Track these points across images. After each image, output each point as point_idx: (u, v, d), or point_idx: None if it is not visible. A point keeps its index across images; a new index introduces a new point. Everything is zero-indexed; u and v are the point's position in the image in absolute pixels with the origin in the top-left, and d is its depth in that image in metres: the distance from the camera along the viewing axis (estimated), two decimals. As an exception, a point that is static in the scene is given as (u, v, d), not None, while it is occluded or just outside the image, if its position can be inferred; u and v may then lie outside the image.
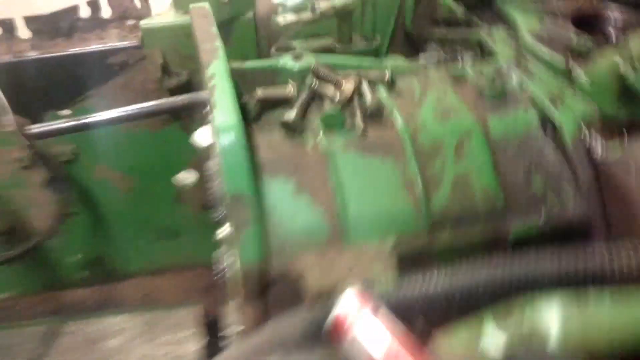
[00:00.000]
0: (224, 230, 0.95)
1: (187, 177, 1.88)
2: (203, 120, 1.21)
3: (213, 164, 1.15)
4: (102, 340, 3.17)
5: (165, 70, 1.61)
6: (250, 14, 1.59)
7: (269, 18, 1.57)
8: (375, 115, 1.05)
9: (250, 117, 1.06)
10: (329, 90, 1.06)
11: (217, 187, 1.06)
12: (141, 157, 1.81)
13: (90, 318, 2.03)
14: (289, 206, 0.97)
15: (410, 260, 0.99)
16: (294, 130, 1.03)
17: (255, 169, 0.96)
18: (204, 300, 2.10)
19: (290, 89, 1.08)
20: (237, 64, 1.09)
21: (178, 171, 1.86)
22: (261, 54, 1.63)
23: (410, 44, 1.60)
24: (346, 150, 1.02)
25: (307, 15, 1.32)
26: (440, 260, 1.01)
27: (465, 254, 1.01)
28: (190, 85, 1.61)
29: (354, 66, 1.12)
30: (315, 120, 1.05)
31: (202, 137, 1.88)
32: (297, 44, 1.45)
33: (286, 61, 1.10)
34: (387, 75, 1.11)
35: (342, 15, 1.36)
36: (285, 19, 1.32)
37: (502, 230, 1.02)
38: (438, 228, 1.01)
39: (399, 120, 1.05)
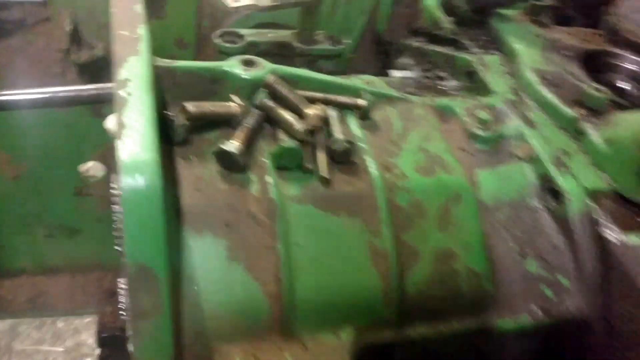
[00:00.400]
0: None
1: (94, 168, 1.56)
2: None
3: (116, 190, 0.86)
4: None
5: (75, 38, 1.27)
6: (193, -15, 1.27)
7: (214, -7, 1.27)
8: (344, 157, 0.79)
9: (176, 138, 0.77)
10: (287, 115, 0.79)
11: (119, 226, 0.78)
12: (37, 140, 1.47)
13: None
14: (216, 279, 0.70)
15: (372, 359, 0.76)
16: (233, 165, 0.76)
17: (172, 224, 0.69)
18: (102, 308, 1.81)
19: (234, 106, 0.80)
20: (165, 63, 0.79)
21: (83, 160, 1.54)
22: (200, 35, 1.32)
23: (379, 51, 1.35)
24: (301, 202, 0.76)
25: (265, 1, 1.03)
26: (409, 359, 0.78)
27: (441, 351, 0.79)
28: (106, 62, 1.29)
29: (321, 84, 0.85)
30: (263, 154, 0.78)
31: (115, 124, 1.52)
32: (246, 32, 1.17)
33: (233, 67, 0.81)
34: (363, 103, 0.85)
35: (309, 5, 1.08)
36: (238, 1, 1.03)
37: (487, 324, 0.80)
38: (410, 318, 0.77)
39: (372, 167, 0.80)
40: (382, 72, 1.33)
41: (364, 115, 0.85)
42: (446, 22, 1.14)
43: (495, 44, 1.08)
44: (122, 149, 0.63)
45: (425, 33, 1.18)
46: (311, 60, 1.18)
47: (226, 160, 0.76)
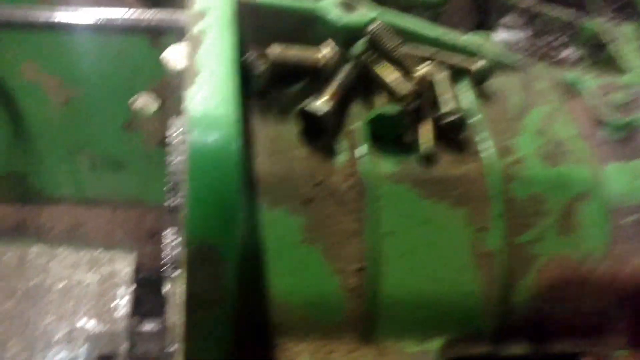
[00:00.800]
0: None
1: (146, 102, 1.45)
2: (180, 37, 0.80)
3: (177, 139, 0.74)
4: (19, 268, 2.81)
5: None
6: None
7: None
8: (453, 131, 0.65)
9: (254, 88, 0.64)
10: (390, 74, 0.64)
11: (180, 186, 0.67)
12: (89, 66, 1.36)
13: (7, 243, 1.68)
14: (287, 264, 0.58)
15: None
16: (319, 130, 0.62)
17: (244, 195, 0.56)
18: (141, 247, 1.74)
19: (325, 54, 0.65)
20: (251, -4, 0.65)
21: (135, 93, 1.43)
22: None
23: (476, 7, 1.16)
24: (398, 181, 0.62)
25: None
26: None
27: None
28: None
29: (433, 40, 0.70)
30: (355, 119, 0.64)
31: (174, 57, 1.39)
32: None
33: (329, 9, 0.66)
34: (480, 67, 0.70)
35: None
36: None
37: (603, 353, 0.66)
38: (511, 334, 0.64)
39: (487, 148, 0.65)
40: (479, 29, 1.15)
41: (480, 82, 0.70)
42: None
43: (633, 8, 0.90)
44: (193, 99, 0.50)
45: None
46: (405, 9, 1.01)
47: (311, 123, 0.62)
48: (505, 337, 0.64)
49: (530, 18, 1.02)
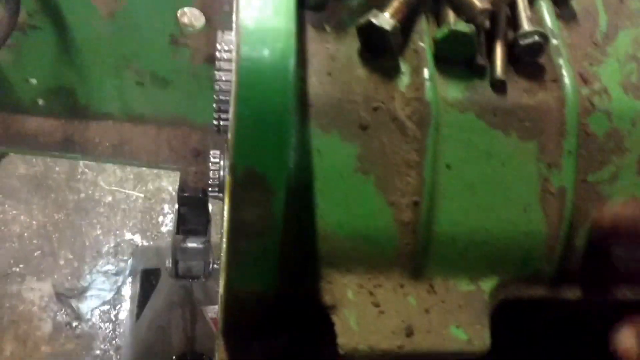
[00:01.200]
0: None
1: (195, 17, 1.39)
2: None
3: (225, 55, 0.69)
4: (69, 182, 2.87)
5: None
6: None
7: None
8: (530, 55, 0.58)
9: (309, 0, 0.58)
10: (462, -14, 0.57)
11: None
12: (137, -24, 1.31)
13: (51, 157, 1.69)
14: (339, 193, 0.54)
15: (518, 319, 0.60)
16: (381, 47, 0.56)
17: (296, 118, 0.52)
18: (186, 166, 1.74)
19: (390, -36, 0.58)
20: None
21: (183, 5, 1.38)
22: None
23: None
24: (464, 109, 0.56)
25: None
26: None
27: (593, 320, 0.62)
28: None
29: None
30: (422, 37, 0.58)
31: (223, -31, 1.33)
32: None
33: None
34: (564, -19, 0.62)
35: None
36: None
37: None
38: (571, 278, 0.60)
39: (566, 76, 0.58)
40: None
41: (562, 1, 0.62)
42: None
43: None
44: (244, 10, 0.44)
45: None
46: None
47: (373, 39, 0.56)
48: (566, 280, 0.60)
49: None
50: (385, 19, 0.55)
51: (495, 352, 0.55)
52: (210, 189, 0.98)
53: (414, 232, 0.56)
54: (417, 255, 0.56)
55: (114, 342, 2.41)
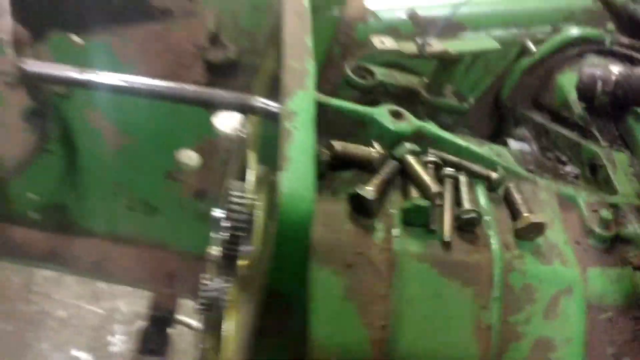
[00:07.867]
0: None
1: (191, 157, 1.62)
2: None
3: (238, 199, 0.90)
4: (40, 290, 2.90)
5: (214, 38, 1.33)
6: (336, 11, 1.31)
7: (354, 24, 1.30)
8: (469, 226, 0.82)
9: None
10: (424, 173, 0.82)
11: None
12: (145, 120, 1.54)
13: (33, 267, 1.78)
14: (328, 313, 0.73)
15: None
16: (364, 210, 0.79)
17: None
18: (161, 289, 1.87)
19: (375, 152, 0.83)
20: (322, 98, 0.83)
21: (181, 147, 1.60)
22: (327, 60, 1.36)
23: (496, 114, 1.36)
24: (421, 260, 0.78)
25: (411, 49, 1.06)
26: None
27: None
28: (237, 67, 1.34)
29: (458, 149, 0.88)
30: (393, 205, 0.81)
31: (223, 122, 1.59)
32: (377, 70, 1.20)
33: (382, 115, 0.84)
34: (495, 176, 0.87)
35: (447, 62, 1.11)
36: (383, 43, 1.06)
37: None
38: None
39: (494, 243, 0.82)
40: (494, 134, 1.34)
41: (492, 188, 0.87)
42: (576, 106, 1.14)
43: (624, 140, 1.08)
44: (284, 181, 0.66)
45: (551, 111, 1.18)
46: (432, 111, 1.21)
47: (358, 204, 0.79)
48: None
49: (540, 133, 1.21)
50: (368, 191, 0.78)
51: None
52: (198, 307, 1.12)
53: (383, 349, 0.74)
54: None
55: None
